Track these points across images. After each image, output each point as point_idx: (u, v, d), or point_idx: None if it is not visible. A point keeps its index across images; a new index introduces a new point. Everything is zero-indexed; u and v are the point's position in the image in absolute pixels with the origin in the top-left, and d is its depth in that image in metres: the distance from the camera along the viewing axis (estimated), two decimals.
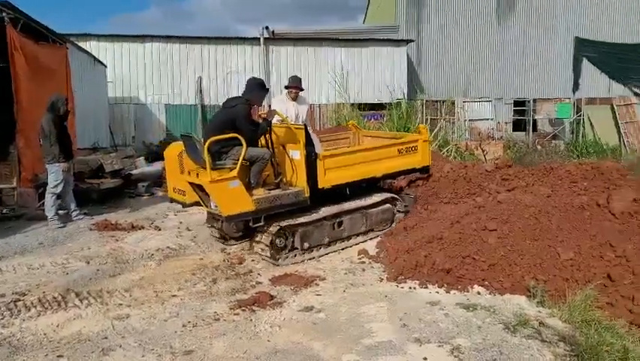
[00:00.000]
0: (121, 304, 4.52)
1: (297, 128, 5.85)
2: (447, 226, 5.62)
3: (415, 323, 4.00)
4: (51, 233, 7.00)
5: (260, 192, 5.57)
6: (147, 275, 5.30)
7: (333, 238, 6.11)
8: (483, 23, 22.64)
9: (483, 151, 15.82)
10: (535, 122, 23.17)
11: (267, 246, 5.57)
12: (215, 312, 4.30)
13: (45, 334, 3.93)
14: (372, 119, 16.33)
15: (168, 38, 17.85)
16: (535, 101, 23.12)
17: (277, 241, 5.63)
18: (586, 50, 22.66)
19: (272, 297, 4.59)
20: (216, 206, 5.45)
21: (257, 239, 5.73)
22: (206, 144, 5.22)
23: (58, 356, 3.57)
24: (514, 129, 23.02)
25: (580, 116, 21.36)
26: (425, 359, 3.43)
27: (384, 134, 8.54)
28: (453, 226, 5.60)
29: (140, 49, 17.50)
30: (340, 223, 6.17)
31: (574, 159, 14.08)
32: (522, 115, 23.25)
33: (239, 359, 3.50)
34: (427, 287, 4.78)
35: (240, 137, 5.38)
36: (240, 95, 5.92)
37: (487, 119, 22.55)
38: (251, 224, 5.59)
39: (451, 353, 3.50)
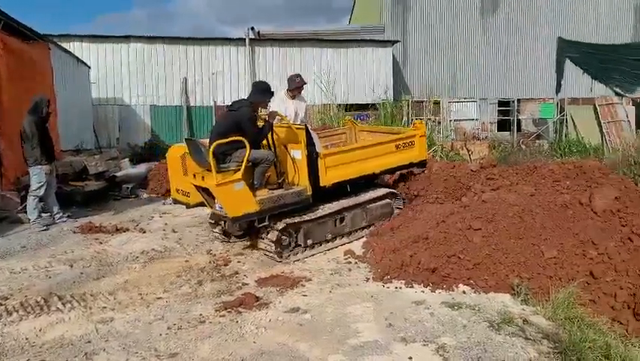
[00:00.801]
0: (105, 308, 4.47)
1: (298, 129, 5.95)
2: (432, 226, 5.64)
3: (401, 322, 4.01)
4: (34, 236, 6.91)
5: (263, 193, 5.68)
6: (132, 278, 5.25)
7: (335, 233, 6.24)
8: (467, 24, 22.82)
9: (468, 151, 15.95)
10: (519, 122, 23.40)
11: (272, 244, 5.66)
12: (201, 314, 4.27)
13: (27, 339, 3.87)
14: (359, 120, 16.37)
15: (153, 39, 17.73)
16: (519, 101, 23.35)
17: (282, 238, 5.73)
18: (569, 50, 22.95)
19: (258, 298, 4.57)
20: (222, 207, 5.55)
21: (262, 238, 5.81)
22: (211, 147, 5.28)
23: None
24: (499, 129, 23.23)
25: (563, 116, 21.62)
26: (410, 358, 3.44)
27: (381, 129, 8.64)
28: (438, 225, 5.62)
29: (124, 50, 17.35)
30: (342, 219, 6.30)
31: (557, 158, 14.24)
32: (506, 115, 23.46)
33: None
34: (412, 287, 4.79)
35: (243, 140, 5.46)
36: (245, 98, 6.01)
37: (472, 119, 22.74)
38: (256, 224, 5.67)
39: (437, 352, 3.51)
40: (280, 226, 5.66)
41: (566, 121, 21.10)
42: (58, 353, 3.64)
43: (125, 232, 7.13)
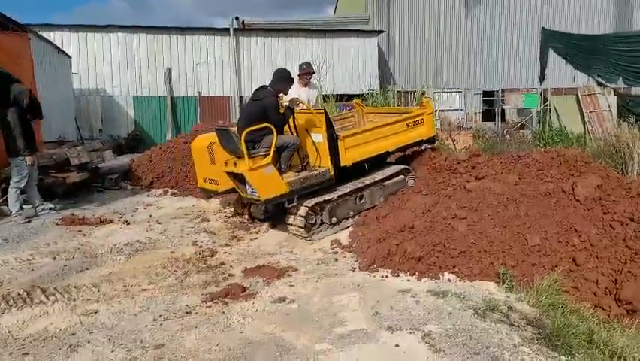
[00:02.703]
0: (89, 300, 4.43)
1: (318, 113, 6.31)
2: (418, 215, 5.67)
3: (387, 310, 4.03)
4: (15, 229, 6.80)
5: (290, 175, 6.12)
6: (116, 270, 5.21)
7: (355, 210, 6.60)
8: (452, 14, 22.83)
9: (453, 141, 16.00)
10: (503, 112, 23.56)
11: (301, 221, 6.01)
12: (187, 305, 4.25)
13: (10, 332, 3.82)
14: (344, 110, 16.35)
15: (135, 29, 17.45)
16: (503, 91, 23.49)
17: (310, 217, 6.10)
18: (552, 41, 23.11)
19: (244, 289, 4.56)
20: (253, 191, 5.87)
21: (291, 218, 6.15)
22: (243, 135, 5.64)
23: (23, 355, 3.47)
24: (484, 119, 23.36)
25: (546, 105, 21.81)
26: (397, 345, 3.47)
27: (388, 110, 9.16)
28: (424, 214, 5.66)
29: (105, 39, 17.07)
30: (362, 197, 6.70)
31: (541, 147, 14.39)
32: (491, 105, 23.61)
33: (211, 351, 3.46)
34: (398, 275, 4.82)
35: (270, 126, 5.83)
36: (267, 85, 6.29)
37: (457, 109, 22.82)
38: (286, 205, 6.05)
39: (423, 340, 3.54)
40: (310, 203, 6.05)
41: (550, 111, 21.28)
42: (42, 345, 3.60)
43: (108, 223, 7.05)
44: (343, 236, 6.14)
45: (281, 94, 6.34)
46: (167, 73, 17.60)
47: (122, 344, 3.58)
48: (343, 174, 6.56)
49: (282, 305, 4.21)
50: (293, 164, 6.35)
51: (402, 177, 7.19)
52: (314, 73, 7.59)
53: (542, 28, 23.00)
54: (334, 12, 29.54)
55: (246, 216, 7.14)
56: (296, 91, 7.16)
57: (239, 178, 5.96)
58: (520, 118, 23.08)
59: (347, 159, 6.50)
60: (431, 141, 7.82)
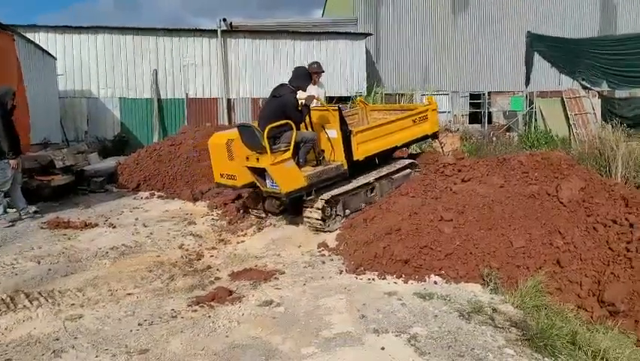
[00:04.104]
0: (73, 305, 4.38)
1: (333, 110, 6.71)
2: (405, 218, 5.70)
3: (373, 313, 4.04)
4: None
5: (308, 169, 6.40)
6: (101, 274, 5.16)
7: (366, 202, 6.88)
8: (439, 17, 23.00)
9: (440, 143, 16.09)
10: (490, 114, 23.75)
11: (319, 213, 6.28)
12: (173, 309, 4.22)
13: None
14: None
15: (121, 30, 17.34)
16: (490, 94, 23.69)
17: (326, 210, 6.37)
18: (537, 44, 23.32)
19: (231, 292, 4.55)
20: (273, 185, 6.14)
21: (307, 211, 6.42)
22: (265, 131, 5.88)
23: (6, 360, 3.42)
24: (471, 122, 23.54)
25: (532, 108, 22.01)
26: (383, 348, 3.47)
27: (390, 107, 9.58)
28: (411, 217, 5.68)
29: (91, 41, 16.93)
30: (372, 189, 7.03)
31: (527, 149, 14.52)
32: (478, 108, 23.79)
33: (196, 356, 3.44)
34: (385, 278, 4.84)
35: (290, 122, 6.12)
36: (287, 82, 6.59)
37: (445, 111, 22.95)
38: (305, 197, 6.33)
39: (408, 342, 3.55)
40: (327, 196, 6.34)
41: (535, 113, 21.48)
42: (26, 351, 3.55)
43: (94, 227, 6.99)
44: (331, 239, 6.14)
45: (299, 91, 6.59)
46: (154, 74, 17.50)
47: (107, 349, 3.55)
48: (355, 168, 6.87)
49: (269, 309, 4.20)
50: (308, 159, 6.61)
51: (409, 170, 7.56)
52: (323, 72, 7.88)
53: (528, 31, 23.24)
54: (322, 14, 29.60)
55: (254, 211, 7.34)
56: (300, 94, 7.35)
57: (259, 173, 6.25)
58: (506, 121, 23.28)
59: (359, 153, 6.83)
60: (435, 136, 8.35)
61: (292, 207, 6.90)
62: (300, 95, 6.67)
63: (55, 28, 16.60)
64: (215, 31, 18.10)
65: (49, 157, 8.95)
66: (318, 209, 6.30)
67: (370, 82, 20.34)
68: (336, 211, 6.55)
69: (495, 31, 23.47)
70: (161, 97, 17.64)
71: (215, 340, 3.66)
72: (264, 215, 7.19)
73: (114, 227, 7.00)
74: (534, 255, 4.84)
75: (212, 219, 7.51)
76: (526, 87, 23.48)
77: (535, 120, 21.17)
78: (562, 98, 20.65)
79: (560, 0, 23.93)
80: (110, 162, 11.27)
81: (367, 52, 20.64)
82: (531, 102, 22.48)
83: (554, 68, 23.64)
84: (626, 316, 4.09)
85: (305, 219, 6.50)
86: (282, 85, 6.61)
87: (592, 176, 5.89)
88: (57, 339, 3.72)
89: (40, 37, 15.76)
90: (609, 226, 4.93)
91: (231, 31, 18.85)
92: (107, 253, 5.86)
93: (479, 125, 23.33)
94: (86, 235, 6.57)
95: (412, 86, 21.98)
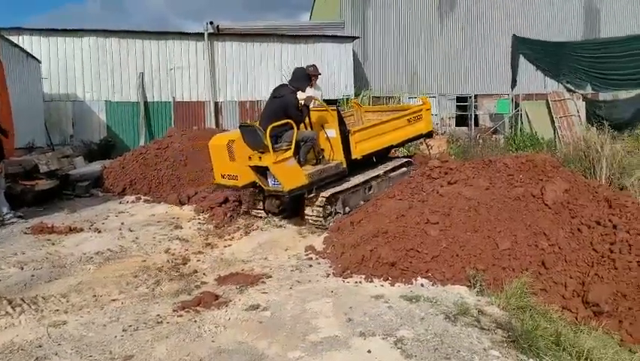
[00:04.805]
0: (57, 311, 4.32)
1: (332, 110, 6.97)
2: (392, 220, 5.71)
3: (360, 316, 4.04)
4: None
5: (308, 168, 6.58)
6: (86, 279, 5.10)
7: (365, 199, 7.09)
8: (425, 21, 23.13)
9: (428, 146, 16.17)
10: (476, 117, 23.92)
11: (319, 211, 6.50)
12: (158, 315, 4.18)
13: None
14: None
15: (107, 33, 17.16)
16: (476, 97, 23.87)
17: (327, 207, 6.59)
18: (522, 48, 23.58)
19: (217, 297, 4.52)
20: (275, 183, 6.32)
21: (308, 208, 6.62)
22: (267, 130, 6.07)
23: None
24: (457, 124, 23.68)
25: (518, 111, 22.21)
26: (369, 351, 3.47)
27: (385, 108, 9.97)
28: (397, 219, 5.70)
29: (77, 44, 16.74)
30: (370, 187, 7.28)
31: (513, 152, 14.64)
32: (464, 110, 23.96)
33: None
34: (372, 281, 4.84)
35: (291, 122, 6.29)
36: (287, 83, 6.81)
37: (432, 114, 23.04)
38: (306, 195, 6.51)
39: (395, 345, 3.56)
40: (327, 194, 6.54)
41: (521, 116, 21.68)
42: (8, 358, 3.49)
43: (79, 232, 6.90)
44: (318, 242, 6.13)
45: (299, 92, 6.74)
46: (141, 77, 17.36)
47: (91, 356, 3.50)
48: (353, 167, 7.09)
49: (255, 313, 4.18)
50: (308, 158, 6.78)
51: (405, 168, 7.81)
52: (320, 74, 8.06)
53: (513, 35, 23.47)
54: (310, 18, 29.64)
55: (254, 211, 7.46)
56: (299, 94, 7.52)
57: (261, 171, 6.41)
58: (492, 123, 23.47)
59: (357, 151, 7.08)
60: (429, 135, 8.64)
61: (292, 207, 7.08)
62: (300, 95, 6.80)
63: (40, 31, 16.39)
64: (202, 34, 18.01)
65: (34, 161, 8.85)
66: (319, 206, 6.48)
67: (357, 85, 20.39)
68: (335, 209, 6.74)
69: (481, 35, 23.66)
70: (148, 100, 17.50)
71: (201, 345, 3.63)
72: (264, 215, 7.31)
73: (99, 232, 6.93)
74: (519, 256, 4.88)
75: (199, 223, 7.46)
76: (512, 90, 23.71)
77: (521, 123, 21.38)
78: (547, 101, 20.88)
79: (545, 4, 24.17)
80: (96, 166, 11.15)
81: (354, 55, 20.69)
82: (517, 105, 22.69)
83: (539, 71, 23.90)
84: (610, 316, 4.14)
85: (306, 216, 6.67)
86: (282, 85, 6.83)
87: (576, 178, 5.96)
88: (40, 346, 3.67)
89: (24, 40, 15.56)
90: (593, 228, 4.99)
91: (218, 34, 18.78)
92: (92, 258, 5.80)
93: (466, 127, 23.49)
94: (71, 240, 6.50)
95: (399, 89, 22.07)
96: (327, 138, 6.99)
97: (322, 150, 6.97)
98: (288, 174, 6.23)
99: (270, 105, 6.73)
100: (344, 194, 6.85)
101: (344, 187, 6.83)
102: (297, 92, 6.67)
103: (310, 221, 6.63)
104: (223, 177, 7.01)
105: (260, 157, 6.36)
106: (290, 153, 6.23)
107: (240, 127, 6.76)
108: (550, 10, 24.21)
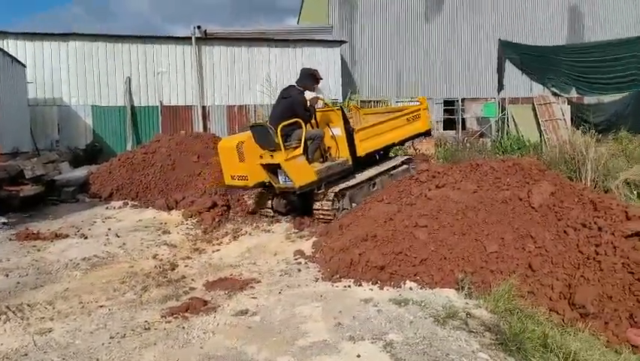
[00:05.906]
0: (43, 318, 4.27)
1: (336, 110, 7.44)
2: (380, 224, 5.72)
3: (349, 320, 4.03)
4: None
5: (317, 165, 6.92)
6: (72, 286, 5.05)
7: (369, 195, 7.19)
8: (412, 25, 23.28)
9: (415, 149, 16.26)
10: (463, 121, 24.10)
11: (329, 206, 6.78)
12: (146, 321, 4.15)
13: None
14: None
15: (94, 37, 17.06)
16: (463, 100, 24.06)
17: (335, 203, 6.88)
18: (508, 52, 23.79)
19: (205, 302, 4.49)
20: (286, 180, 6.58)
21: (317, 204, 6.90)
22: (278, 129, 6.37)
23: None
24: (445, 128, 23.84)
25: (504, 114, 22.42)
26: (359, 356, 3.47)
27: (383, 110, 10.40)
28: (386, 223, 5.71)
29: (62, 48, 16.61)
30: (374, 184, 7.66)
31: (499, 155, 14.77)
32: (452, 114, 24.12)
33: None
34: (361, 285, 4.84)
35: (300, 121, 6.60)
36: (294, 84, 7.11)
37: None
38: (316, 190, 6.81)
39: (384, 349, 3.56)
40: (335, 190, 6.87)
41: (507, 120, 21.88)
42: None
43: (65, 238, 6.83)
44: (307, 246, 6.13)
45: (306, 92, 7.03)
46: (127, 82, 17.26)
47: None
48: (357, 165, 7.42)
49: (244, 318, 4.16)
50: (315, 156, 7.10)
51: (406, 166, 8.20)
52: (321, 79, 8.19)
53: (499, 39, 23.70)
54: (298, 22, 29.68)
55: (262, 210, 7.65)
56: (307, 94, 7.74)
57: (272, 169, 6.67)
58: (479, 127, 23.66)
59: (362, 149, 7.48)
60: (427, 133, 9.11)
61: (298, 206, 7.36)
62: (307, 95, 7.01)
63: (25, 35, 16.25)
64: (189, 39, 17.96)
65: (19, 167, 8.74)
66: (329, 201, 6.78)
67: (346, 89, 20.44)
68: (343, 204, 7.04)
69: (468, 39, 23.88)
70: (135, 104, 17.39)
71: (189, 351, 3.60)
72: (272, 214, 7.56)
73: (86, 238, 6.86)
74: (507, 259, 4.90)
75: (187, 228, 7.42)
76: (499, 94, 23.91)
77: (508, 126, 21.56)
78: (533, 105, 21.09)
79: (530, 9, 24.49)
80: (82, 171, 11.05)
81: (342, 59, 20.76)
82: (503, 109, 22.90)
83: (525, 75, 24.14)
84: (596, 318, 4.18)
85: (315, 211, 6.94)
86: (290, 86, 7.12)
87: (562, 181, 6.02)
88: (26, 355, 3.62)
89: (9, 45, 15.42)
90: (579, 230, 5.03)
91: (206, 38, 18.73)
92: (79, 264, 5.73)
93: (453, 131, 23.65)
94: (57, 246, 6.43)
95: (387, 93, 22.17)
96: (333, 136, 7.33)
97: (329, 147, 7.30)
98: (299, 170, 6.50)
99: (279, 106, 7.02)
100: (351, 190, 7.19)
101: (351, 183, 7.18)
102: (305, 92, 6.91)
103: (320, 216, 6.88)
104: (233, 178, 7.21)
105: (272, 155, 6.60)
106: (299, 150, 6.51)
107: (251, 127, 7.02)
108: (534, 15, 24.52)
